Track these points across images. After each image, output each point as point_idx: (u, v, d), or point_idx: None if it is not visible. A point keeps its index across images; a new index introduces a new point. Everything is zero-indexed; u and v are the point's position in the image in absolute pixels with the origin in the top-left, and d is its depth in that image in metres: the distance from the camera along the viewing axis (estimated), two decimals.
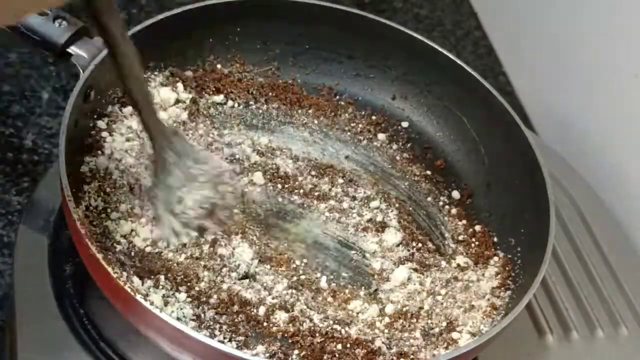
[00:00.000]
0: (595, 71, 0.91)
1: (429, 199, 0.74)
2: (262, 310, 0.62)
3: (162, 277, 0.61)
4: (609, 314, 0.76)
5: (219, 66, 0.77)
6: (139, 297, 0.55)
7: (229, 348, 0.55)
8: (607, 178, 0.88)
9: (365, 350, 0.61)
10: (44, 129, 0.85)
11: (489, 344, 0.59)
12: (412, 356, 0.61)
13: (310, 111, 0.78)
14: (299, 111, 0.77)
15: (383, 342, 0.62)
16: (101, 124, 0.68)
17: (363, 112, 0.79)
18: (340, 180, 0.73)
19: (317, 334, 0.61)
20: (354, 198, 0.73)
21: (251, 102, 0.77)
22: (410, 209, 0.73)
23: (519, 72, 1.05)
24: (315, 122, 0.77)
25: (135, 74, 0.56)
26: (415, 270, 0.68)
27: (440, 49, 0.76)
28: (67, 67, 0.89)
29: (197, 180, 0.60)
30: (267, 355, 0.59)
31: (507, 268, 0.69)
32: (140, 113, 0.59)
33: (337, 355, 0.60)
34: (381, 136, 0.78)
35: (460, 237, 0.72)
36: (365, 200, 0.73)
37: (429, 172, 0.76)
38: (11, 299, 0.68)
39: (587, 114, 0.93)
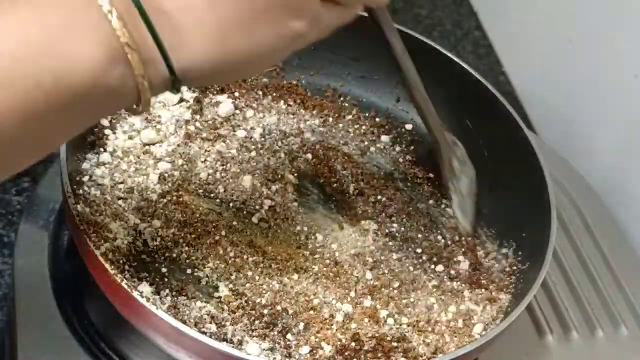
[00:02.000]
0: (595, 71, 0.91)
1: (431, 201, 0.74)
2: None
3: (161, 276, 0.61)
4: (609, 314, 0.76)
5: None
6: (135, 294, 0.55)
7: (224, 345, 0.55)
8: (607, 178, 0.88)
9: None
10: None
11: (490, 345, 0.59)
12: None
13: (314, 112, 0.78)
14: (303, 112, 0.77)
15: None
16: (104, 121, 0.68)
17: (367, 114, 0.79)
18: None
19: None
20: None
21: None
22: (412, 211, 0.73)
23: (519, 72, 1.05)
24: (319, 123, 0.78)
25: (417, 85, 0.66)
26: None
27: (444, 51, 0.76)
28: None
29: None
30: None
31: (507, 269, 0.69)
32: (425, 121, 0.69)
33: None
34: (384, 138, 0.78)
35: (462, 240, 0.71)
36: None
37: (431, 175, 0.76)
38: (11, 299, 0.68)
39: (587, 114, 0.93)
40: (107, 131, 0.68)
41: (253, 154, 0.72)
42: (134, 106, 0.46)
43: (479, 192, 0.72)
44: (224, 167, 0.70)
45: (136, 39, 0.43)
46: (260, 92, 0.77)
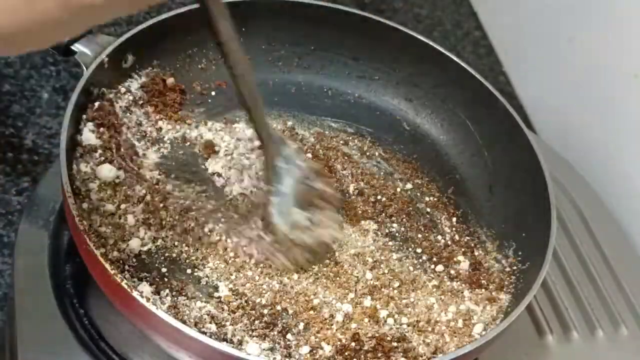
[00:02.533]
0: (595, 71, 0.91)
1: (431, 200, 0.74)
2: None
3: (161, 276, 0.61)
4: (609, 314, 0.76)
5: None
6: (135, 294, 0.55)
7: (224, 345, 0.55)
8: (607, 178, 0.88)
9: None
10: (44, 129, 0.85)
11: (490, 345, 0.59)
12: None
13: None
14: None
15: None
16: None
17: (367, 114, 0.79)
18: None
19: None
20: None
21: None
22: (412, 211, 0.73)
23: (519, 72, 1.05)
24: None
25: (247, 78, 0.59)
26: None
27: (445, 52, 0.76)
28: (67, 67, 0.90)
29: (302, 182, 0.65)
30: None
31: (507, 269, 0.69)
32: (250, 117, 0.62)
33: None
34: (385, 138, 0.78)
35: (462, 240, 0.72)
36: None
37: (431, 175, 0.76)
38: (11, 299, 0.68)
39: (587, 114, 0.93)
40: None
41: (253, 155, 0.72)
42: None
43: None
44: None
45: None
46: None
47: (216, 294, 0.63)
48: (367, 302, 0.65)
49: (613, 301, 0.77)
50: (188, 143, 0.72)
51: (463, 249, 0.71)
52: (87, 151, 0.65)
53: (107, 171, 0.64)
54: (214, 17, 0.55)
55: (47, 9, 0.43)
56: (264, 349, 0.60)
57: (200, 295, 0.62)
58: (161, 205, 0.66)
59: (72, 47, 0.68)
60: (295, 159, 0.66)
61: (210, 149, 0.72)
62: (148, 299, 0.58)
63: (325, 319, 0.63)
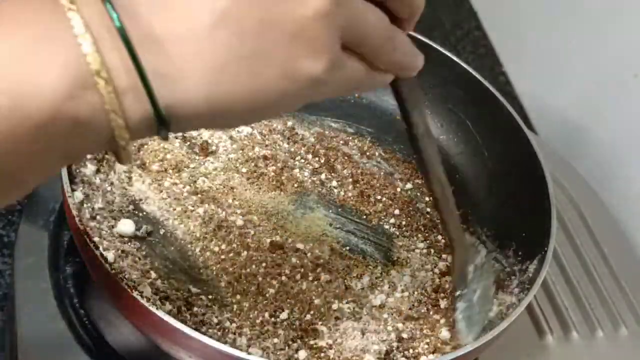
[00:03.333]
0: (596, 71, 0.91)
1: (431, 200, 0.74)
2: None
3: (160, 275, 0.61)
4: (609, 314, 0.76)
5: None
6: (135, 293, 0.55)
7: (224, 345, 0.55)
8: (607, 178, 0.88)
9: None
10: None
11: (490, 345, 0.59)
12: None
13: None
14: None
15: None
16: None
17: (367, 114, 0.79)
18: None
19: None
20: None
21: None
22: (412, 211, 0.73)
23: (519, 72, 1.05)
24: None
25: (438, 173, 0.57)
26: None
27: (445, 52, 0.76)
28: None
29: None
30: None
31: (507, 269, 0.69)
32: (441, 214, 0.61)
33: None
34: (385, 138, 0.78)
35: None
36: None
37: None
38: (11, 299, 0.68)
39: (587, 114, 0.93)
40: None
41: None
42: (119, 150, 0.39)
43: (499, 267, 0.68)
44: None
45: (113, 66, 0.36)
46: None
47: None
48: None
49: (613, 301, 0.77)
50: (188, 143, 0.72)
51: None
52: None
53: (128, 226, 0.63)
54: (408, 106, 0.52)
55: (268, 77, 0.39)
56: (264, 349, 0.60)
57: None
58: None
59: None
60: (487, 265, 0.65)
61: (206, 149, 0.72)
62: (148, 299, 0.58)
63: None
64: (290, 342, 0.60)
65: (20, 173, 0.38)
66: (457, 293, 0.63)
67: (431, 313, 0.65)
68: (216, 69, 0.38)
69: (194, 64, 0.37)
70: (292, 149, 0.75)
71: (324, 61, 0.40)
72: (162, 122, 0.38)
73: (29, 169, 0.38)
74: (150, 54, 0.37)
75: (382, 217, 0.72)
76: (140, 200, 0.66)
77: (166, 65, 0.37)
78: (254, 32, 0.38)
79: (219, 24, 0.37)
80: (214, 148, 0.72)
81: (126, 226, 0.62)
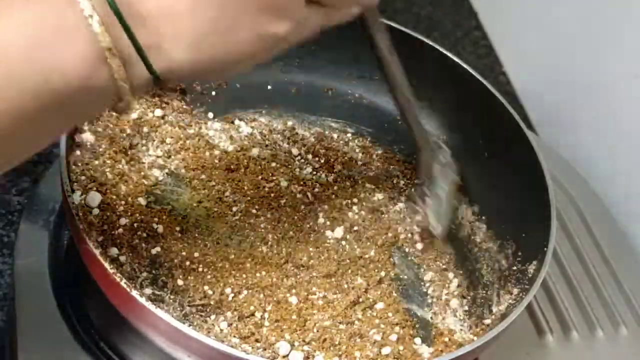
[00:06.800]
0: (596, 71, 0.91)
1: None
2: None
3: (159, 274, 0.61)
4: (609, 314, 0.76)
5: None
6: (135, 293, 0.55)
7: (224, 345, 0.55)
8: (607, 178, 0.88)
9: None
10: None
11: (490, 345, 0.59)
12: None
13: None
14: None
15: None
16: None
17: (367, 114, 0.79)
18: None
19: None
20: None
21: None
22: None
23: (519, 72, 1.05)
24: None
25: (403, 85, 0.64)
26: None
27: (444, 51, 0.76)
28: None
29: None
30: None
31: (507, 269, 0.69)
32: (407, 121, 0.66)
33: None
34: (385, 138, 0.78)
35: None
36: None
37: None
38: (11, 299, 0.68)
39: (587, 114, 0.93)
40: None
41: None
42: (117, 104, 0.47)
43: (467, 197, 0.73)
44: None
45: (117, 43, 0.43)
46: None
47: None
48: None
49: (613, 301, 0.77)
50: (189, 142, 0.72)
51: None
52: (87, 151, 0.65)
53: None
54: (372, 32, 0.60)
55: (240, 41, 0.46)
56: (264, 349, 0.60)
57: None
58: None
59: None
60: (451, 162, 0.71)
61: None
62: (148, 299, 0.58)
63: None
64: None
65: (41, 134, 0.46)
66: (425, 188, 0.70)
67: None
68: (197, 39, 0.45)
69: (179, 37, 0.45)
70: (292, 149, 0.75)
71: (289, 22, 0.48)
72: (157, 82, 0.46)
73: (49, 130, 0.46)
74: (143, 30, 0.44)
75: None
76: None
77: (157, 39, 0.44)
78: (227, 7, 0.45)
79: (198, 1, 0.44)
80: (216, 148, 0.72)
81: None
